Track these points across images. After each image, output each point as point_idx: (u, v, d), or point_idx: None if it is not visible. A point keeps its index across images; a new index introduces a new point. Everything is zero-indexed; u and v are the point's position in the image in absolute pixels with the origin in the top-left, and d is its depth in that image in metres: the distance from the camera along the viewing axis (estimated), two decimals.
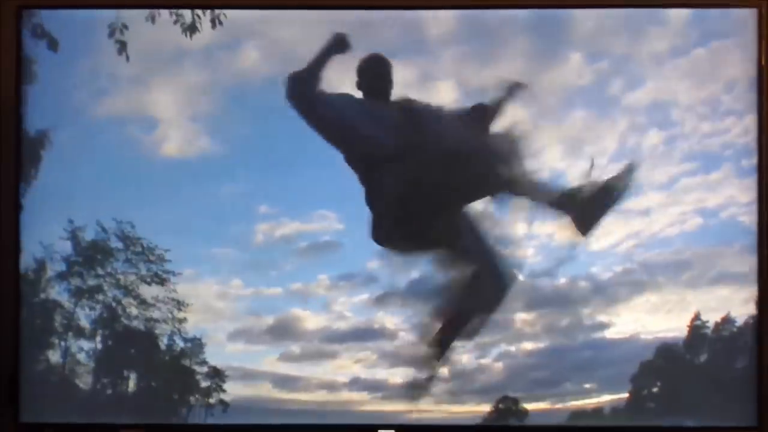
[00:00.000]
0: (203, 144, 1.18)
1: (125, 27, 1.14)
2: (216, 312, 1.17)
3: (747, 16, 1.16)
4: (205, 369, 1.17)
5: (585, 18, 1.18)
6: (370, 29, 1.16)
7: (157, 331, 1.16)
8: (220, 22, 1.15)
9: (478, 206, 1.20)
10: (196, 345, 1.16)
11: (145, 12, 1.15)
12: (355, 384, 1.20)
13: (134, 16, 1.15)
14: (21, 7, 1.14)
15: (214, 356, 1.18)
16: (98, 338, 1.15)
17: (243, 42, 1.18)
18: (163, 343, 1.17)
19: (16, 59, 1.15)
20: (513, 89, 1.17)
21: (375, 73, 1.15)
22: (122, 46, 1.13)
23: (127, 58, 1.14)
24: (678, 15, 1.18)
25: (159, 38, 1.16)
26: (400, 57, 1.17)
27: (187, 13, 1.16)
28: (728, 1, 1.17)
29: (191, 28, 1.14)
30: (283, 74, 1.16)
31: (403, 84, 1.17)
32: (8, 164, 1.13)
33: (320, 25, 1.17)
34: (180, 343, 1.16)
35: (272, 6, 1.15)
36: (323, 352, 1.19)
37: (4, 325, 1.14)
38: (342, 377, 1.19)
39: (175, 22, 1.15)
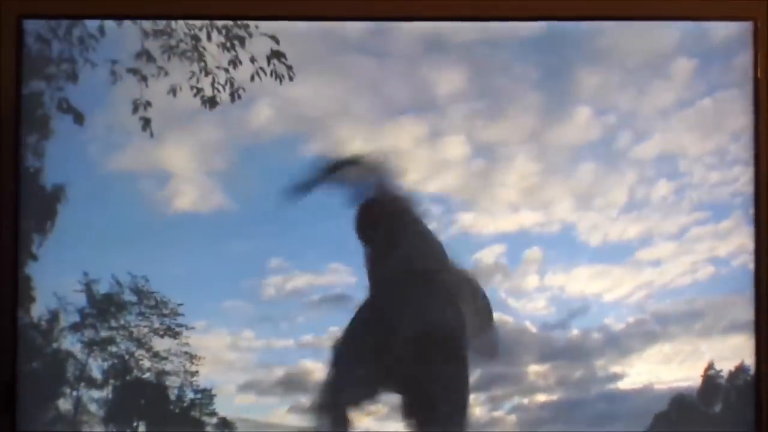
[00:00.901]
0: (216, 199, 1.20)
1: (149, 104, 1.18)
2: (227, 363, 1.17)
3: (748, 65, 1.17)
4: (214, 420, 1.16)
5: (592, 73, 1.21)
6: (378, 85, 1.19)
7: (167, 383, 1.16)
8: (239, 96, 1.19)
9: (490, 259, 1.22)
10: (206, 396, 1.16)
11: (167, 86, 1.19)
12: None
13: (157, 92, 1.19)
14: (21, 17, 1.15)
15: (224, 407, 1.17)
16: (109, 388, 1.15)
17: (257, 101, 1.22)
18: (173, 394, 1.17)
19: (16, 67, 1.15)
20: None
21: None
22: (146, 123, 1.17)
23: (151, 134, 1.18)
24: (683, 68, 1.20)
25: (178, 106, 1.20)
26: (410, 113, 1.20)
27: (207, 86, 1.20)
28: (724, 15, 1.16)
29: (212, 102, 1.18)
30: (295, 133, 1.20)
31: (413, 140, 1.20)
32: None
33: (332, 84, 1.20)
34: (190, 395, 1.16)
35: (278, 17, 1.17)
36: None
37: (0, 331, 1.13)
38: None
39: (195, 95, 1.19)
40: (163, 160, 1.20)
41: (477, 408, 1.20)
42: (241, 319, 1.18)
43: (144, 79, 1.17)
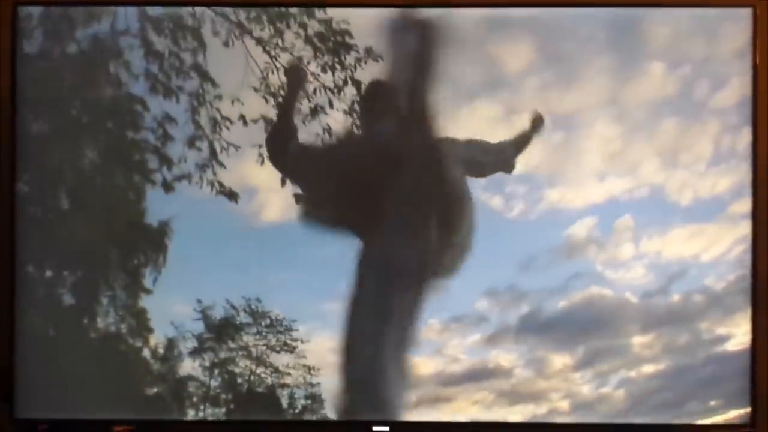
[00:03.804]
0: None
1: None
2: (331, 366, 1.18)
3: None
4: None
5: (660, 26, 1.16)
6: (448, 70, 1.16)
7: (278, 392, 1.19)
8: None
9: (582, 233, 1.19)
10: (317, 401, 1.17)
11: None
12: (474, 426, 1.17)
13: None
14: (16, 3, 1.17)
15: (333, 410, 1.18)
16: (231, 406, 1.18)
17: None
18: (284, 402, 1.19)
19: (11, 57, 1.17)
20: (536, 124, 1.15)
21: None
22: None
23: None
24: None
25: None
26: (482, 95, 1.17)
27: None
28: (724, 1, 1.16)
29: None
30: None
31: (489, 121, 1.18)
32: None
33: None
34: (301, 401, 1.18)
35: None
36: (439, 396, 1.18)
37: None
38: (460, 419, 1.17)
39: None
40: (245, 176, 1.21)
41: (584, 386, 1.19)
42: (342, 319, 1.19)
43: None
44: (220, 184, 1.17)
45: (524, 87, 1.17)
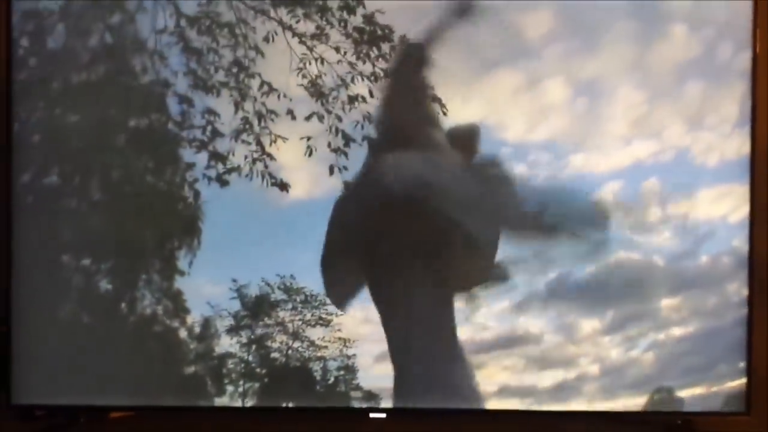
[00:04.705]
0: (329, 182, 1.21)
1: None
2: (361, 336, 1.21)
3: None
4: (359, 394, 1.21)
5: None
6: (470, 41, 1.17)
7: (310, 365, 1.22)
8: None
9: (608, 197, 1.19)
10: (349, 371, 1.20)
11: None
12: (505, 391, 1.20)
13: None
14: None
15: (365, 380, 1.21)
16: (267, 379, 1.21)
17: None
18: (318, 374, 1.22)
19: (7, 45, 1.18)
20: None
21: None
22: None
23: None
24: None
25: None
26: (504, 64, 1.17)
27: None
28: None
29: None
30: None
31: (512, 90, 1.18)
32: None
33: None
34: (334, 372, 1.21)
35: None
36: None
37: None
38: (491, 386, 1.20)
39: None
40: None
41: (612, 350, 1.20)
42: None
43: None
44: (271, 175, 1.18)
45: (547, 54, 1.17)
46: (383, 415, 1.18)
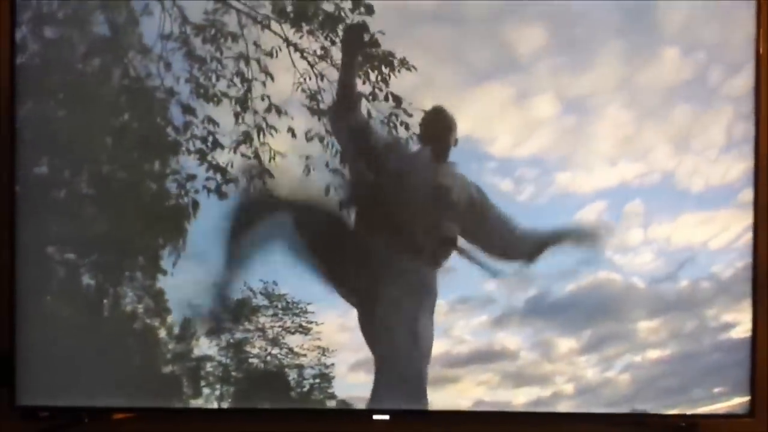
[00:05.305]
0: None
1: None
2: (338, 344, 1.20)
3: None
4: (333, 403, 1.19)
5: (674, 10, 1.14)
6: (460, 52, 1.17)
7: (286, 371, 1.21)
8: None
9: (591, 217, 1.18)
10: (325, 379, 1.19)
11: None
12: (479, 406, 1.19)
13: None
14: None
15: (339, 389, 1.20)
16: (243, 384, 1.20)
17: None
18: (293, 380, 1.21)
19: (10, 44, 1.17)
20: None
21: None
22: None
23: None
24: None
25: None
26: (494, 77, 1.17)
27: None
28: None
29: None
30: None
31: (501, 104, 1.17)
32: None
33: (412, 57, 1.17)
34: (309, 380, 1.20)
35: None
36: (445, 377, 1.19)
37: None
38: (465, 401, 1.19)
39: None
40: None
41: (589, 370, 1.20)
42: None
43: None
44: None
45: (536, 70, 1.16)
46: (386, 417, 1.17)
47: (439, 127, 1.15)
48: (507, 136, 1.17)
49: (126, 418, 1.22)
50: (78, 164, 1.19)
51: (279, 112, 1.17)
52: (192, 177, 1.18)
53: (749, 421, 1.19)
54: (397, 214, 1.16)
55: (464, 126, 1.17)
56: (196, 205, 1.18)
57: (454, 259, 1.18)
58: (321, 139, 1.17)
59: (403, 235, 1.15)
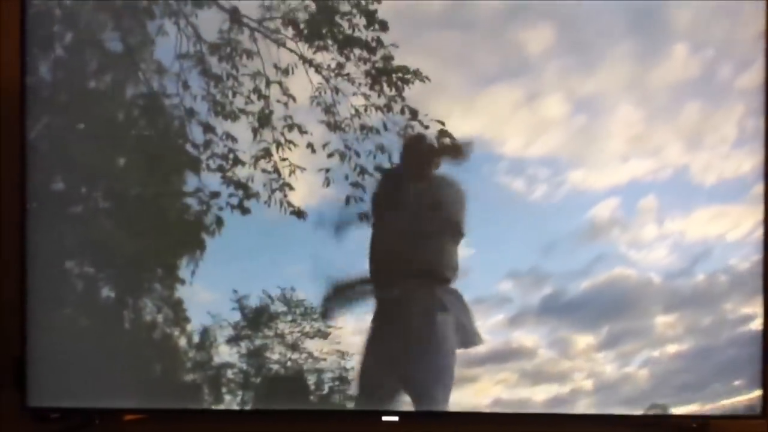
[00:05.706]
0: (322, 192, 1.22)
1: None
2: (357, 347, 1.21)
3: None
4: (352, 405, 1.20)
5: (682, 8, 1.15)
6: (470, 56, 1.18)
7: (305, 375, 1.22)
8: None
9: (605, 214, 1.20)
10: (344, 381, 1.20)
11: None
12: (498, 405, 1.20)
13: None
14: None
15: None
16: (263, 389, 1.22)
17: None
18: (312, 384, 1.22)
19: (21, 43, 1.18)
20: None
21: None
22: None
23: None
24: None
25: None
26: (503, 79, 1.18)
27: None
28: None
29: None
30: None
31: (511, 106, 1.18)
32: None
33: (422, 62, 1.18)
34: (328, 383, 1.22)
35: None
36: (464, 377, 1.20)
37: (10, 309, 1.19)
38: (484, 400, 1.20)
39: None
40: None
41: (607, 366, 1.20)
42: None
43: None
44: (289, 204, 1.19)
45: (546, 71, 1.17)
46: (395, 418, 1.18)
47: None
48: (518, 137, 1.18)
49: (137, 420, 1.23)
50: (95, 180, 1.21)
51: (296, 127, 1.19)
52: (216, 194, 1.20)
53: (760, 422, 1.19)
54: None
55: (475, 127, 1.18)
56: (220, 221, 1.20)
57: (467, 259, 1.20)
58: (342, 157, 1.19)
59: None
